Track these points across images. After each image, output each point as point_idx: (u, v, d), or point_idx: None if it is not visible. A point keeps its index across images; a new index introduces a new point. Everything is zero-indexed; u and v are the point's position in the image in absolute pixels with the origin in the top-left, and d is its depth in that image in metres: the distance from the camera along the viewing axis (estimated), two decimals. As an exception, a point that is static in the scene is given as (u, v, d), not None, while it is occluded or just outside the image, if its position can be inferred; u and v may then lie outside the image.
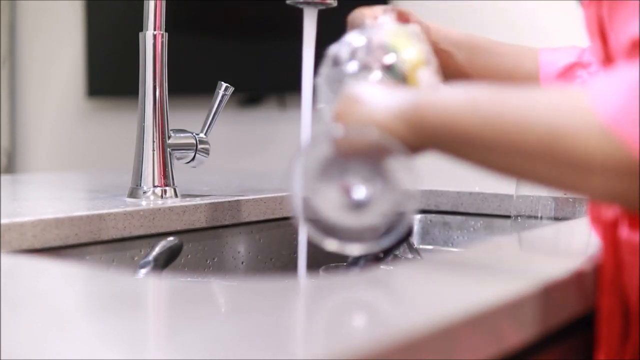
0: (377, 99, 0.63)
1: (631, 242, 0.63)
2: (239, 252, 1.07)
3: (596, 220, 0.67)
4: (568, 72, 0.92)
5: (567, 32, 1.78)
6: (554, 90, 0.56)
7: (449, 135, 0.58)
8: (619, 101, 0.51)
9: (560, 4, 1.86)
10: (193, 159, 1.08)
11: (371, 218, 0.63)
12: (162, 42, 1.05)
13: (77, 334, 0.42)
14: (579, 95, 0.54)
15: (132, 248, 0.92)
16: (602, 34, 0.62)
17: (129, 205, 0.95)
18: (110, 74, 2.82)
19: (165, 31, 1.06)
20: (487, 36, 0.96)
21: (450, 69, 0.91)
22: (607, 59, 0.62)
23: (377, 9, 0.83)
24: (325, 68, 0.75)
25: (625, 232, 0.64)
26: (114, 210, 0.90)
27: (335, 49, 0.74)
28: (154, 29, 1.05)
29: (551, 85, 0.91)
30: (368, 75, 0.71)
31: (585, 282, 0.61)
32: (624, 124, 0.50)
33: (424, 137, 0.59)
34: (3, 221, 0.78)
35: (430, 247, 1.19)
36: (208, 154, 1.09)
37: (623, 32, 0.57)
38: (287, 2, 0.90)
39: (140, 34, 1.05)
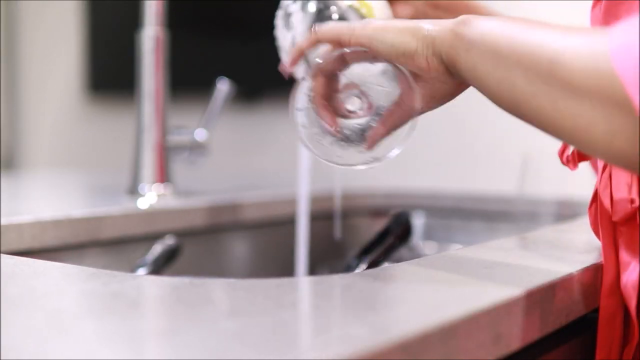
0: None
1: (631, 243, 0.63)
2: (238, 252, 1.07)
3: (596, 221, 0.67)
4: None
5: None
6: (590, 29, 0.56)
7: (482, 47, 0.58)
8: (626, 36, 0.49)
9: (559, 5, 1.86)
10: (192, 156, 1.08)
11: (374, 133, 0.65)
12: (161, 40, 1.05)
13: (76, 334, 0.42)
14: (601, 29, 0.53)
15: (130, 248, 0.92)
16: None
17: (128, 205, 0.95)
18: (110, 70, 2.82)
19: (166, 28, 1.06)
20: None
21: None
22: None
23: None
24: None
25: (625, 233, 0.64)
26: (112, 210, 0.90)
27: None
28: (154, 27, 1.05)
29: None
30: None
31: (585, 283, 0.61)
32: (624, 58, 0.49)
33: (461, 45, 0.60)
34: (1, 222, 0.78)
35: (431, 247, 1.19)
36: (207, 152, 1.09)
37: None
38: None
39: (140, 32, 1.05)
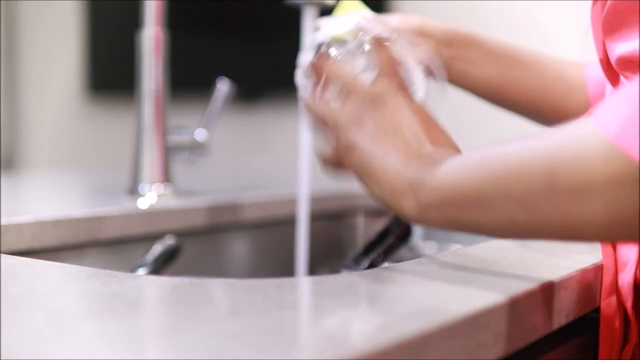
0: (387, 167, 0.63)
1: (630, 243, 0.63)
2: (238, 252, 1.07)
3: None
4: None
5: (567, 32, 1.78)
6: (562, 126, 0.51)
7: (450, 197, 0.54)
8: (622, 116, 0.46)
9: (559, 4, 1.86)
10: (192, 156, 1.08)
11: None
12: (161, 40, 1.05)
13: (76, 334, 0.42)
14: (584, 123, 0.49)
15: (130, 248, 0.92)
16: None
17: (128, 205, 0.95)
18: (110, 70, 2.82)
19: (166, 28, 1.06)
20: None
21: (478, 80, 0.88)
22: (607, 60, 0.63)
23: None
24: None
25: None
26: (112, 210, 0.90)
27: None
28: (154, 27, 1.05)
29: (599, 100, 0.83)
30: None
31: (585, 283, 0.61)
32: (628, 136, 0.46)
33: (427, 202, 0.56)
34: (2, 222, 0.78)
35: (431, 247, 1.19)
36: (207, 152, 1.09)
37: (615, 47, 0.57)
38: (286, 1, 0.90)
39: (140, 32, 1.05)
